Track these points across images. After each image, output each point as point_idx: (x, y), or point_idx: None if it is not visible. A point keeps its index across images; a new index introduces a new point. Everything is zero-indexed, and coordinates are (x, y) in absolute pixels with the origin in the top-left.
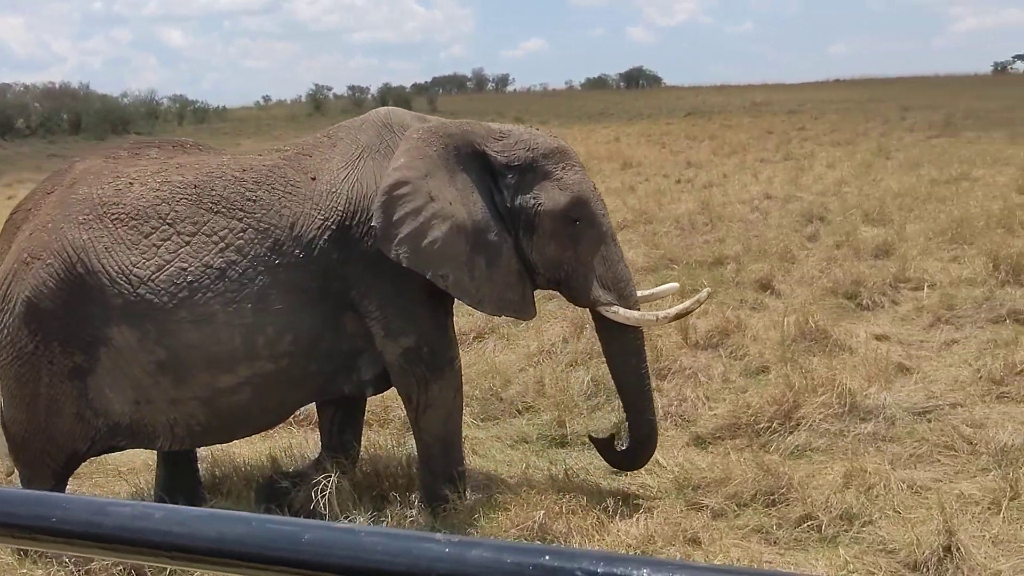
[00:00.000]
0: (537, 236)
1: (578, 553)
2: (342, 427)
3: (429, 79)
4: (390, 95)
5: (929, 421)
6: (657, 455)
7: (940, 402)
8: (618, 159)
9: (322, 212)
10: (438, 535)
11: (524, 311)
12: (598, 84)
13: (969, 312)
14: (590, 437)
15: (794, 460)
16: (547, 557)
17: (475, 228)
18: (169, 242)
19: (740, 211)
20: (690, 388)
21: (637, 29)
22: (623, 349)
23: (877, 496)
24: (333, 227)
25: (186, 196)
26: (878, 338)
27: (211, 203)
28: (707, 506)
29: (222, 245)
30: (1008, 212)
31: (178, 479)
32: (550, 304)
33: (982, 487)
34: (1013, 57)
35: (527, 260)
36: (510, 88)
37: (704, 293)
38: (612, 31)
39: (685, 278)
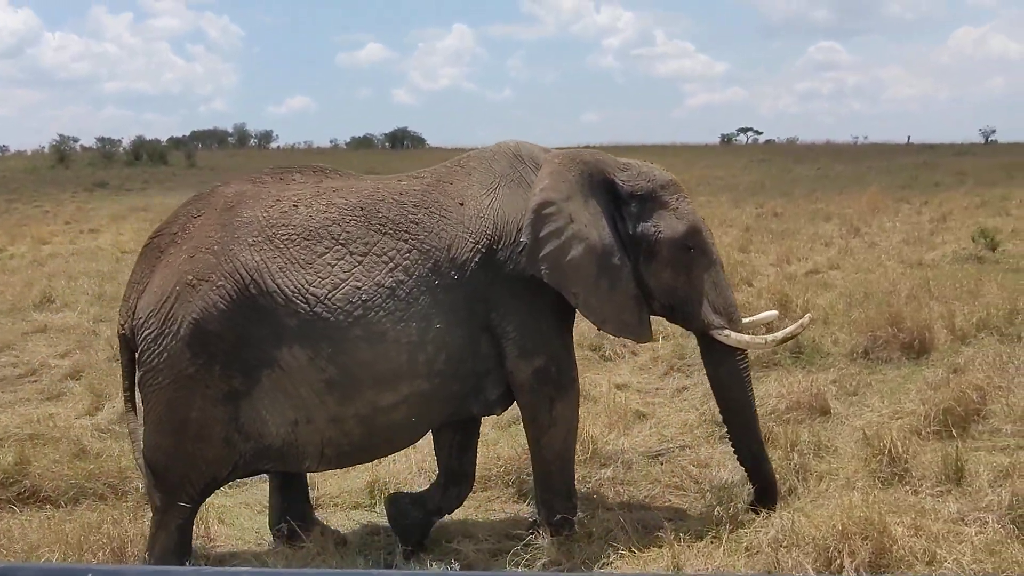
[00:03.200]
0: (655, 262)
1: None
2: (461, 451)
3: (188, 133)
4: (144, 148)
5: (662, 463)
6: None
7: (672, 445)
8: None
9: (473, 235)
10: None
11: (641, 334)
12: (363, 144)
13: (697, 360)
14: None
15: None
16: None
17: (603, 251)
18: (343, 262)
19: None
20: None
21: (402, 91)
22: (731, 371)
23: (616, 538)
24: (483, 250)
25: (355, 218)
26: (619, 387)
27: (379, 224)
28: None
29: (391, 265)
30: (731, 267)
31: (294, 507)
32: None
33: (707, 522)
34: (737, 130)
35: (644, 285)
36: (274, 145)
37: (806, 318)
38: (378, 92)
39: None
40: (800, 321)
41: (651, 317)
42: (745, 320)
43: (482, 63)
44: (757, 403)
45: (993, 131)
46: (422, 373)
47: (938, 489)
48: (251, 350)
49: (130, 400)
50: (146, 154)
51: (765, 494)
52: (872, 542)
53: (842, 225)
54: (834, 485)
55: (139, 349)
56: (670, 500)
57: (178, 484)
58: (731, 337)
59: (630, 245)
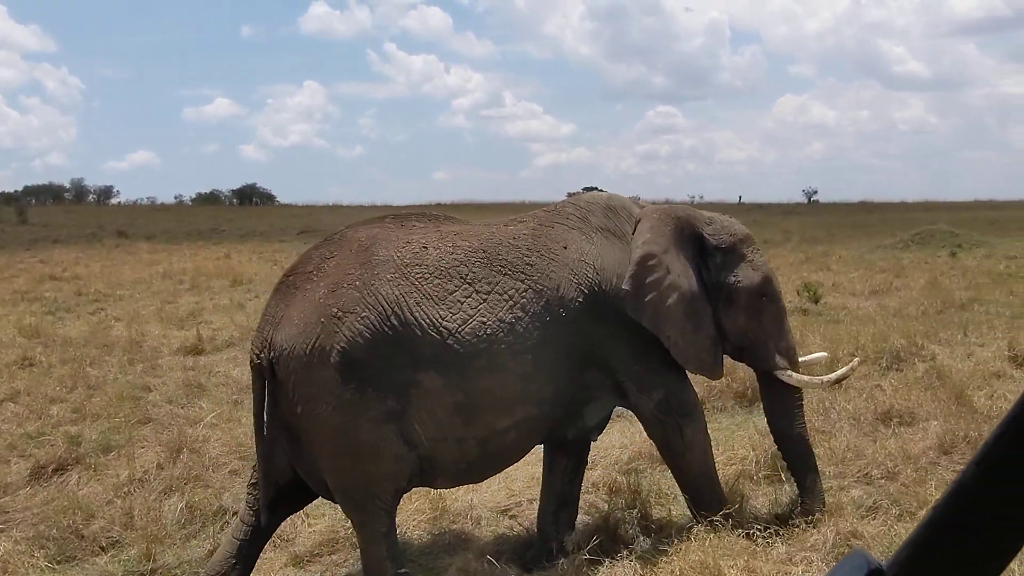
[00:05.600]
0: (732, 308)
1: None
2: (572, 475)
3: (20, 188)
4: None
5: (511, 517)
6: None
7: (520, 499)
8: (228, 276)
9: (576, 277)
10: None
11: (715, 371)
12: (210, 200)
13: None
14: None
15: None
16: None
17: (691, 298)
18: (470, 299)
19: None
20: None
21: (251, 147)
22: (788, 407)
23: None
24: (585, 291)
25: (479, 259)
26: None
27: (500, 266)
28: None
29: (511, 303)
30: None
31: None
32: (144, 429)
33: (554, 572)
34: (583, 189)
35: (721, 328)
36: (114, 200)
37: (856, 362)
38: (226, 148)
39: None
40: (851, 364)
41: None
42: (800, 360)
43: (333, 120)
44: (602, 454)
45: (815, 192)
46: (532, 400)
47: (768, 531)
48: (397, 373)
49: (260, 425)
50: None
51: (813, 503)
52: None
53: None
54: (673, 531)
55: (285, 379)
56: (520, 555)
57: (367, 499)
58: (793, 377)
59: (712, 292)
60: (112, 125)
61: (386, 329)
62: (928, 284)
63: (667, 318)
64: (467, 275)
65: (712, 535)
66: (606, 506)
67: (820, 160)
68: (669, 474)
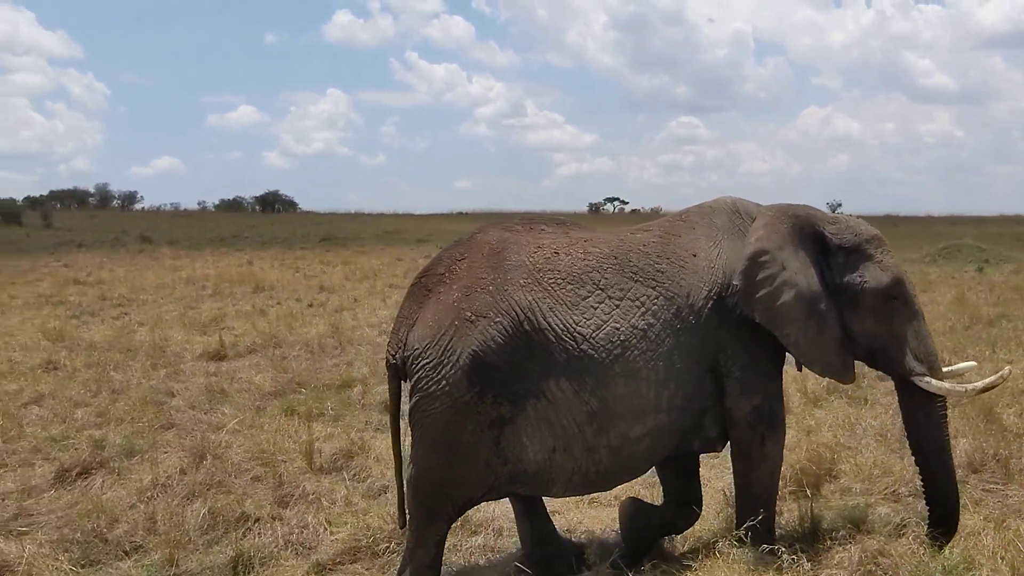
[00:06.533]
0: (858, 310)
1: None
2: (688, 477)
3: (45, 192)
4: None
5: None
6: None
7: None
8: (250, 282)
9: (706, 284)
10: None
11: (845, 374)
12: (233, 206)
13: None
14: None
15: None
16: None
17: (811, 297)
18: (604, 304)
19: (369, 334)
20: (312, 514)
21: (274, 154)
22: (928, 416)
23: None
24: (714, 297)
25: (611, 265)
26: None
27: (632, 272)
28: None
29: (643, 310)
30: None
31: (543, 531)
32: (168, 434)
33: None
34: (604, 199)
35: (848, 331)
36: (138, 206)
37: (1006, 370)
38: (249, 155)
39: (312, 400)
40: (1000, 372)
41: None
42: (946, 369)
43: (356, 128)
44: None
45: (839, 204)
46: (664, 408)
47: (794, 547)
48: (522, 381)
49: (396, 424)
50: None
51: (948, 527)
52: None
53: None
54: (700, 546)
55: (414, 377)
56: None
57: (441, 502)
58: (932, 384)
59: (836, 293)
60: (137, 131)
61: (519, 335)
62: (955, 299)
63: (785, 316)
64: (599, 281)
65: (737, 550)
66: None
67: (845, 173)
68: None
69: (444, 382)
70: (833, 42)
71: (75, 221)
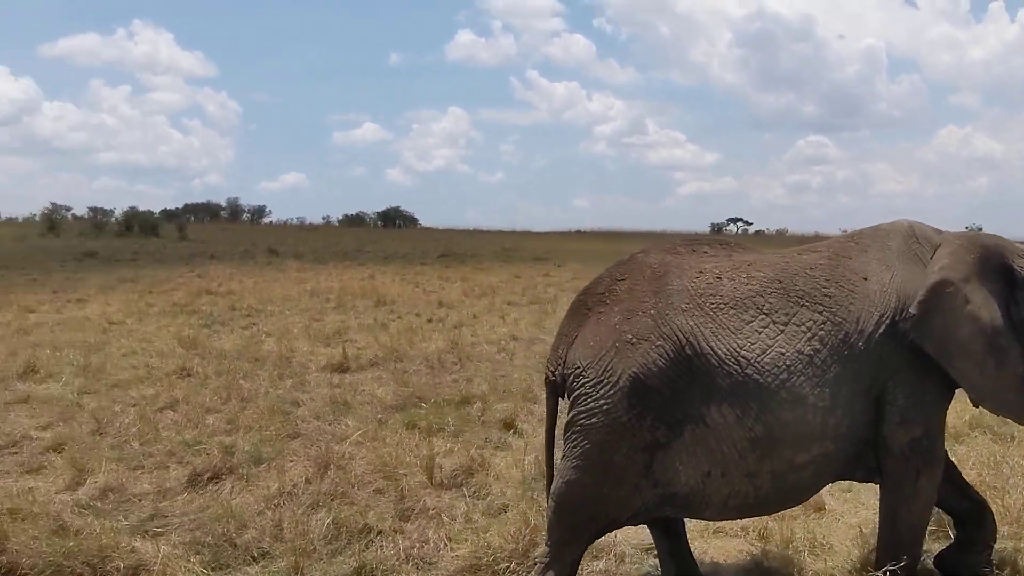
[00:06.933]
0: None
1: None
2: (961, 487)
3: (181, 205)
4: (135, 219)
5: (655, 556)
6: None
7: None
8: (372, 296)
9: (878, 309)
10: None
11: (1021, 414)
12: (356, 221)
13: None
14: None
15: None
16: None
17: (993, 332)
18: (768, 329)
19: (488, 351)
20: (432, 529)
21: (396, 171)
22: None
23: None
24: (887, 322)
25: (775, 290)
26: None
27: (797, 297)
28: None
29: (809, 335)
30: None
31: (680, 558)
32: (294, 443)
33: None
34: (727, 220)
35: None
36: (266, 220)
37: None
38: (372, 171)
39: (432, 415)
40: None
41: None
42: None
43: (476, 145)
44: None
45: (980, 228)
46: (830, 435)
47: None
48: (681, 406)
49: (551, 440)
50: (137, 225)
51: None
52: None
53: None
54: None
55: (574, 394)
56: None
57: (585, 521)
58: None
59: (1021, 328)
60: (266, 147)
61: (680, 359)
62: None
63: (959, 349)
64: (763, 305)
65: None
66: (757, 551)
67: (986, 195)
68: (824, 522)
69: (603, 401)
70: (973, 58)
71: (208, 233)
